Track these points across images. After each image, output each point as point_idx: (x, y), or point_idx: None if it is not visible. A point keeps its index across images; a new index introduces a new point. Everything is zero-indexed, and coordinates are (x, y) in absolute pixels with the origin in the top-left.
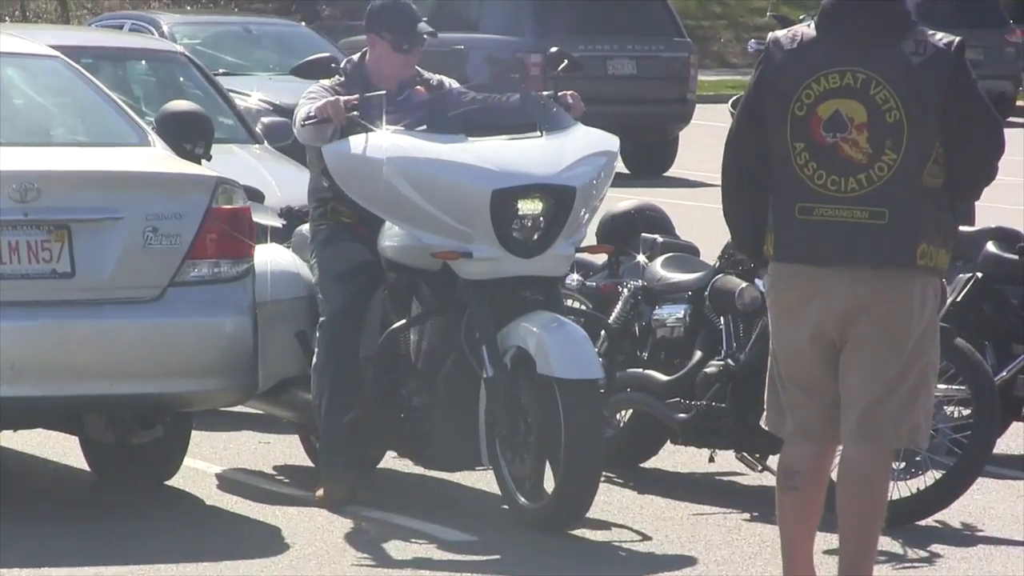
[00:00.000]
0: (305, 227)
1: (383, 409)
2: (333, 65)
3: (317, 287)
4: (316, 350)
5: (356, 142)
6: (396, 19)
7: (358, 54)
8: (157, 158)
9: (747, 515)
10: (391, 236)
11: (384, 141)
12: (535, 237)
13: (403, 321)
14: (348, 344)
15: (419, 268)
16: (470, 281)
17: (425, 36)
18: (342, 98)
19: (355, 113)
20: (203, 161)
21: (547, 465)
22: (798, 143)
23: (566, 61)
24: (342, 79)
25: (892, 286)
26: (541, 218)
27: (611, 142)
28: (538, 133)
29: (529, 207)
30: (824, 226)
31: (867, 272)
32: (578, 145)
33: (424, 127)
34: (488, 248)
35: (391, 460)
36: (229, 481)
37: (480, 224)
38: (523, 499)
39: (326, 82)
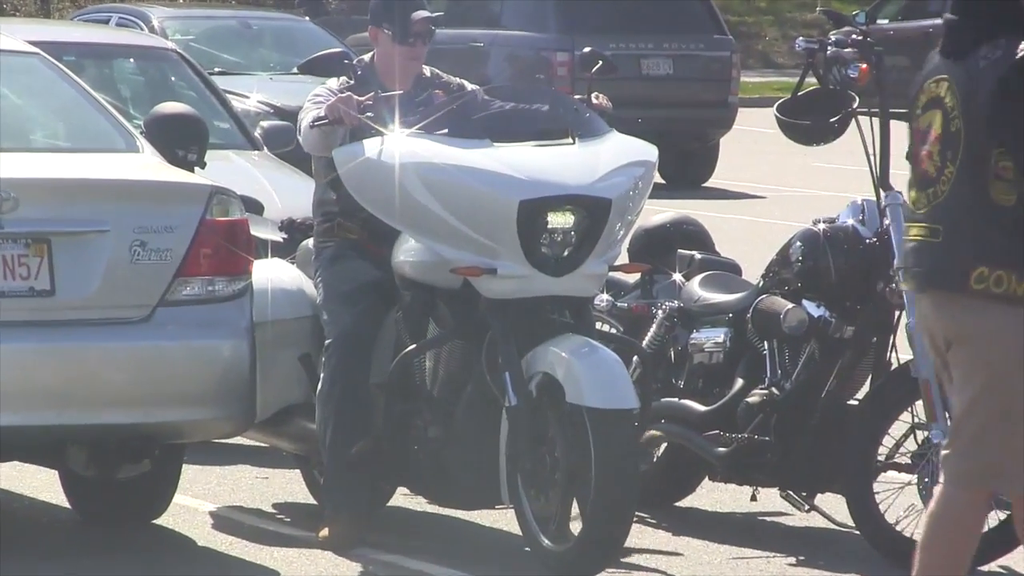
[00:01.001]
0: (310, 242)
1: (395, 440)
2: (346, 62)
3: (322, 308)
4: (321, 376)
5: (370, 146)
6: (396, 10)
7: (368, 54)
8: (146, 165)
9: (792, 559)
10: (407, 250)
11: (401, 145)
12: (565, 253)
13: (418, 344)
14: (356, 369)
15: (437, 286)
16: (493, 301)
17: (432, 27)
18: (356, 97)
19: (369, 114)
20: (196, 169)
21: (574, 504)
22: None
23: (600, 63)
24: (351, 81)
25: (959, 314)
26: (572, 232)
27: (649, 151)
28: (570, 140)
29: (560, 220)
30: (909, 246)
31: (941, 296)
32: (614, 154)
33: (445, 131)
34: (513, 265)
35: (401, 497)
36: (223, 520)
37: (505, 238)
38: (547, 541)
39: (333, 84)
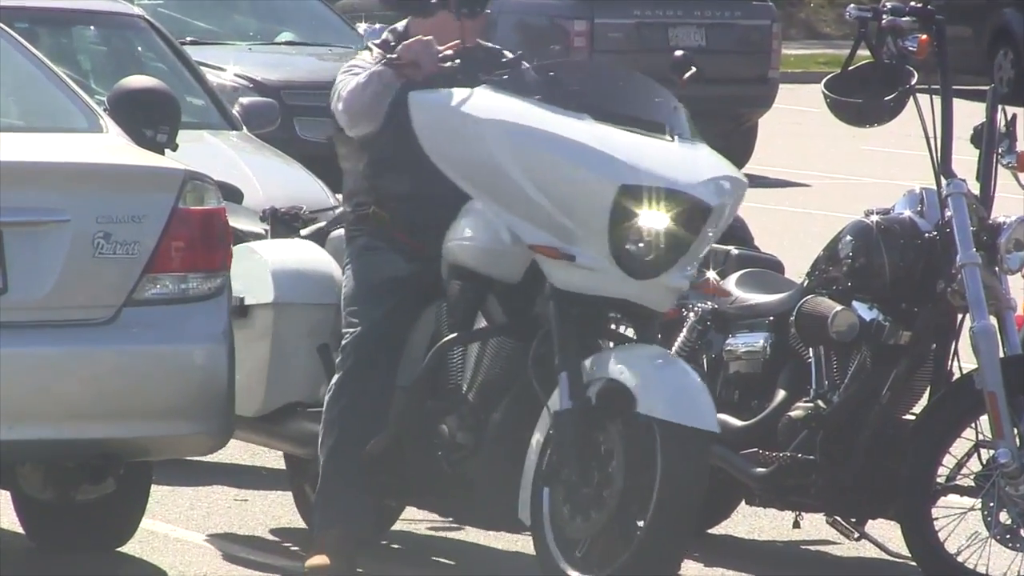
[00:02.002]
0: (340, 233)
1: (417, 441)
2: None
3: (346, 299)
4: (336, 374)
5: (456, 95)
6: None
7: (401, 24)
8: (110, 147)
9: None
10: (464, 234)
11: (491, 101)
12: (651, 256)
13: (461, 334)
14: (378, 370)
15: (493, 276)
16: (560, 291)
17: None
18: (438, 46)
19: (456, 62)
20: (167, 151)
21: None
22: None
23: (693, 69)
24: (392, 53)
25: None
26: (665, 234)
27: (740, 173)
28: (668, 137)
29: (654, 218)
30: None
31: None
32: (712, 163)
33: (539, 97)
34: (594, 256)
35: (404, 521)
36: (197, 548)
37: (593, 223)
38: (571, 569)
39: (368, 55)
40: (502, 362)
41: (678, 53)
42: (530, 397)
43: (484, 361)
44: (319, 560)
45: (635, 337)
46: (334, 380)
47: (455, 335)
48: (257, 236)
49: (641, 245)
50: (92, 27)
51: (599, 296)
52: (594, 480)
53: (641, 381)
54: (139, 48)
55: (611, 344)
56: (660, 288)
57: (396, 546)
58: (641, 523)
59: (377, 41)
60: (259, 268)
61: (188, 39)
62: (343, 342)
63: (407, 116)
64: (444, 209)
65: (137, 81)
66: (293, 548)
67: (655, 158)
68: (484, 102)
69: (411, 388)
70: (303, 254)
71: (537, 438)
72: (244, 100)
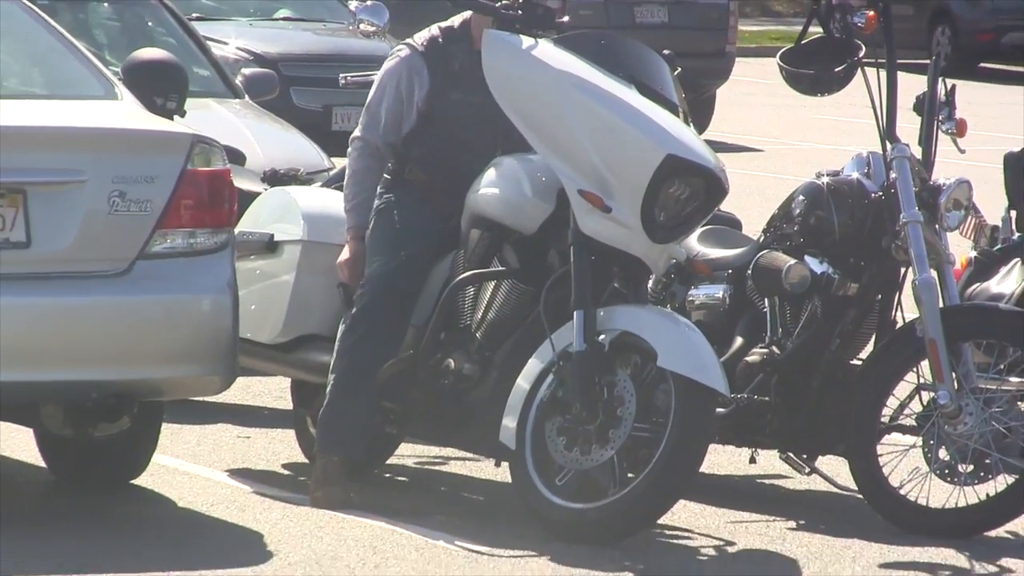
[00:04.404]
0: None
1: (430, 365)
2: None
3: (370, 245)
4: (353, 308)
5: (529, 42)
6: None
7: (456, 18)
8: (125, 113)
9: (792, 523)
10: (488, 186)
11: (559, 55)
12: (673, 223)
13: (477, 272)
14: (392, 308)
15: (512, 227)
16: (583, 237)
17: None
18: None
19: (521, 11)
20: (176, 117)
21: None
22: None
23: (679, 69)
24: (440, 40)
25: None
26: (690, 205)
27: None
28: (683, 119)
29: (682, 191)
30: None
31: None
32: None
33: (595, 60)
34: (627, 214)
35: (400, 456)
36: (204, 481)
37: (633, 184)
38: (551, 495)
39: (415, 40)
40: (512, 304)
41: (666, 52)
42: (534, 338)
43: (495, 302)
44: (319, 490)
45: (624, 292)
46: (350, 313)
47: (472, 273)
48: (257, 195)
49: (666, 211)
50: (107, 3)
51: (617, 249)
52: (598, 419)
53: (661, 338)
54: (150, 23)
55: (608, 298)
56: (664, 253)
57: (387, 475)
58: (631, 474)
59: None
60: (291, 209)
61: (194, 15)
62: (363, 281)
63: (434, 108)
64: (467, 180)
65: (149, 53)
66: (292, 480)
67: (688, 136)
68: (555, 55)
69: (429, 320)
70: (332, 200)
71: (536, 365)
72: (246, 71)
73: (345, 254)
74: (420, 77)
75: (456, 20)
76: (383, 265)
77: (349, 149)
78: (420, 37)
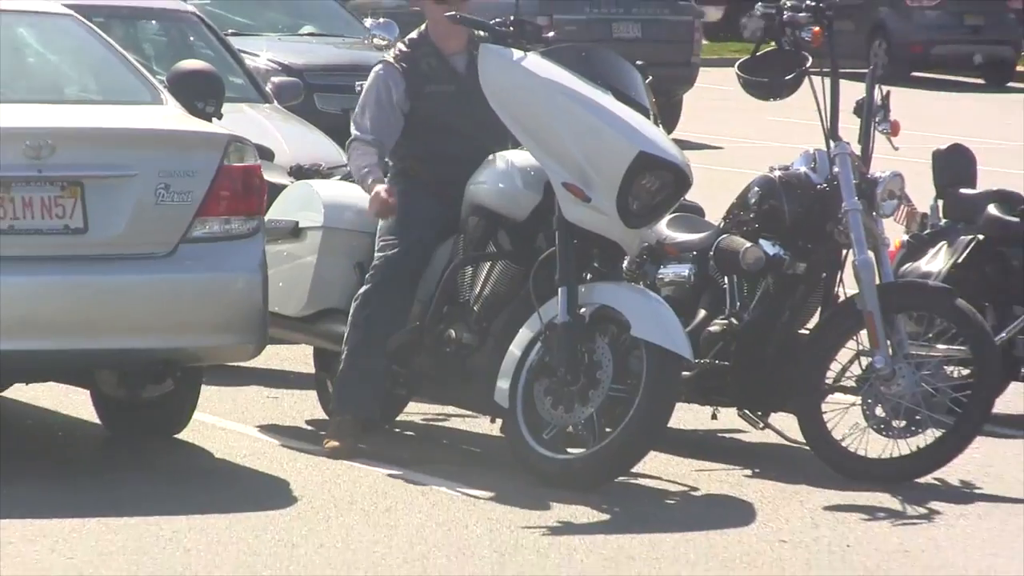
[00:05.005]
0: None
1: (435, 334)
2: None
3: (381, 230)
4: (365, 286)
5: (520, 55)
6: None
7: (423, 25)
8: (170, 116)
9: (748, 471)
10: (486, 178)
11: (547, 66)
12: (644, 211)
13: (475, 253)
14: (400, 286)
15: (504, 214)
16: (567, 223)
17: None
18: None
19: (513, 28)
20: (214, 119)
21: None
22: None
23: (650, 77)
24: (407, 49)
25: None
26: (659, 196)
27: None
28: (653, 121)
29: (653, 183)
30: None
31: None
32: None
33: (577, 70)
34: (604, 203)
35: (408, 414)
36: (238, 435)
37: (609, 177)
38: (540, 447)
39: (389, 56)
40: (505, 281)
41: (639, 62)
42: (525, 312)
43: (491, 280)
44: (333, 443)
45: (603, 271)
46: (362, 290)
47: (471, 254)
48: (284, 187)
49: (638, 201)
50: (153, 21)
51: (596, 233)
52: (580, 381)
53: (634, 311)
54: (191, 38)
55: (589, 276)
56: (637, 237)
57: (397, 430)
58: (609, 429)
59: (383, 42)
60: (313, 199)
61: (230, 31)
62: (375, 262)
63: (413, 102)
64: (459, 167)
65: (190, 64)
66: (315, 435)
67: (658, 136)
68: (542, 65)
69: (433, 296)
70: (349, 191)
71: (526, 334)
72: (275, 79)
73: (373, 193)
74: (395, 80)
75: (415, 32)
76: (392, 248)
77: (348, 149)
78: (390, 53)
